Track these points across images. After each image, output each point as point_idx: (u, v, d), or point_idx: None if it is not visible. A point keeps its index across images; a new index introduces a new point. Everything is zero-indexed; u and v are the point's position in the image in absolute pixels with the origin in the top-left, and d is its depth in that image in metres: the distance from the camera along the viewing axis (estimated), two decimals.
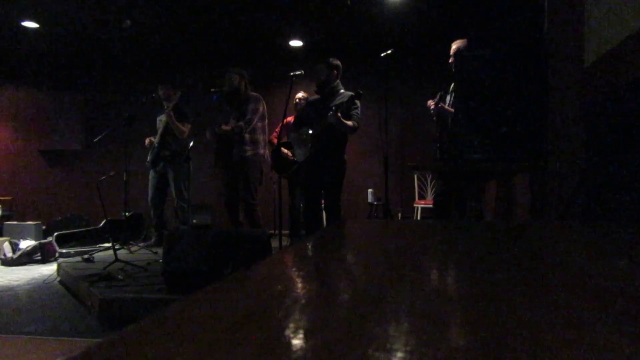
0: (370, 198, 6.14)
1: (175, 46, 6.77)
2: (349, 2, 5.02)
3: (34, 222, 5.83)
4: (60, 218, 6.32)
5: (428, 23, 5.77)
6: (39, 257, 4.67)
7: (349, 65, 4.30)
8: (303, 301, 0.42)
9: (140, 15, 5.47)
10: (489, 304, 0.41)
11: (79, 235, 5.28)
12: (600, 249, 0.91)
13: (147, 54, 7.09)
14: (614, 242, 1.02)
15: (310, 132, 3.64)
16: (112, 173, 4.69)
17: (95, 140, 4.81)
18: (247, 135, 4.09)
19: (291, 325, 0.34)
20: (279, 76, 6.51)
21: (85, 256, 4.08)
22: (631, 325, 0.34)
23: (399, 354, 0.27)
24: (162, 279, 2.79)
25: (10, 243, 4.79)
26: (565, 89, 2.40)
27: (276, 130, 4.80)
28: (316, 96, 3.82)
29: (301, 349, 0.29)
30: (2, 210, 6.59)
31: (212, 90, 4.27)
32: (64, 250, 4.76)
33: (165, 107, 4.67)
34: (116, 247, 3.80)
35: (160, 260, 3.00)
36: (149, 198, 4.84)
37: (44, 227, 5.85)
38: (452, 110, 3.31)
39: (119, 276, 3.09)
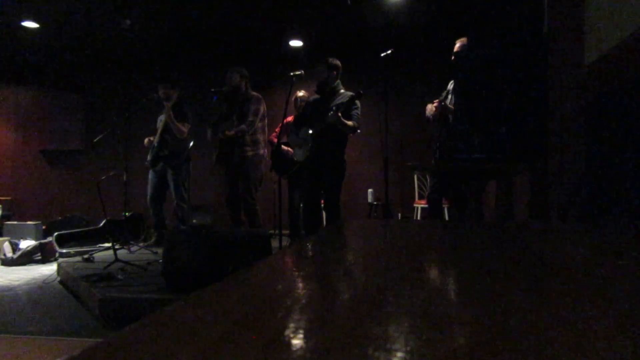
0: (370, 198, 6.14)
1: (175, 46, 6.77)
2: (349, 2, 5.02)
3: (34, 222, 5.83)
4: (60, 218, 6.32)
5: (428, 23, 5.77)
6: (39, 257, 4.66)
7: (349, 65, 4.30)
8: (303, 301, 0.42)
9: (140, 15, 5.47)
10: (489, 304, 0.41)
11: (79, 235, 5.28)
12: (600, 249, 0.91)
13: (147, 54, 7.09)
14: (614, 242, 1.02)
15: (310, 132, 3.64)
16: (112, 173, 4.69)
17: (95, 140, 4.81)
18: (247, 136, 4.10)
19: (291, 325, 0.34)
20: (279, 76, 6.52)
21: (85, 256, 4.07)
22: (631, 325, 0.34)
23: (399, 354, 0.27)
24: (162, 279, 2.79)
25: (10, 243, 4.79)
26: (565, 89, 2.40)
27: (276, 130, 4.80)
28: (316, 96, 3.82)
29: (301, 349, 0.29)
30: (2, 210, 6.59)
31: (212, 90, 4.27)
32: (64, 250, 4.76)
33: (165, 106, 4.66)
34: (116, 247, 3.80)
35: (160, 260, 3.00)
36: (148, 198, 4.84)
37: (44, 227, 5.85)
38: (453, 107, 3.31)
39: (119, 276, 3.09)
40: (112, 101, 7.45)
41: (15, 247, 4.76)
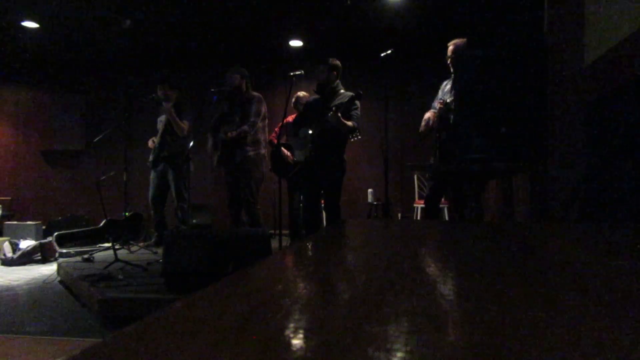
0: (370, 198, 6.14)
1: (175, 46, 6.77)
2: (349, 2, 5.02)
3: (34, 222, 5.83)
4: (60, 218, 6.32)
5: (428, 23, 5.77)
6: (39, 257, 4.66)
7: (349, 65, 4.30)
8: (303, 301, 0.42)
9: (140, 15, 5.47)
10: (489, 304, 0.41)
11: (79, 235, 5.28)
12: (600, 249, 0.91)
13: (147, 54, 7.09)
14: (614, 242, 1.02)
15: (310, 132, 3.64)
16: (112, 173, 4.69)
17: (95, 140, 4.81)
18: (248, 136, 4.10)
19: (291, 325, 0.34)
20: (279, 76, 6.52)
21: (85, 256, 4.07)
22: (631, 324, 0.34)
23: (399, 354, 0.27)
24: (162, 279, 2.79)
25: (10, 243, 4.79)
26: (565, 89, 2.40)
27: (275, 129, 4.80)
28: (316, 96, 3.82)
29: (301, 349, 0.29)
30: (2, 210, 6.59)
31: (212, 90, 4.27)
32: (64, 250, 4.76)
33: (165, 106, 4.67)
34: (116, 247, 3.80)
35: (160, 260, 3.00)
36: (150, 198, 4.84)
37: (44, 227, 5.85)
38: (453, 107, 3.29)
39: (119, 276, 3.09)
40: (112, 101, 7.45)
41: (15, 247, 4.76)
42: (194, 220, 5.66)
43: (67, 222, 6.11)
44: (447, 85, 3.53)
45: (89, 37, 6.28)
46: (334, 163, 3.60)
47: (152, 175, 4.82)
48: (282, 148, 4.44)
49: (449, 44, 3.45)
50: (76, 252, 4.69)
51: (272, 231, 4.79)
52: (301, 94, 4.80)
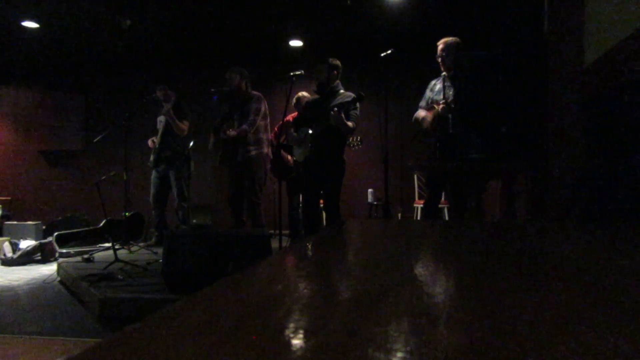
0: (370, 198, 6.14)
1: (175, 46, 6.77)
2: (349, 2, 5.02)
3: (34, 222, 5.83)
4: (60, 218, 6.32)
5: (428, 23, 5.77)
6: (39, 257, 4.66)
7: (349, 65, 4.30)
8: (303, 301, 0.42)
9: (140, 15, 5.47)
10: (489, 303, 0.41)
11: (79, 235, 5.28)
12: (600, 248, 0.91)
13: (147, 54, 7.09)
14: (614, 242, 1.02)
15: (310, 132, 3.64)
16: (112, 173, 4.69)
17: (95, 140, 4.81)
18: (250, 135, 4.10)
19: (291, 325, 0.34)
20: (279, 76, 6.52)
21: (85, 256, 4.08)
22: (630, 324, 0.34)
23: (399, 354, 0.27)
24: (162, 279, 2.79)
25: (10, 243, 4.79)
26: (565, 89, 2.40)
27: (275, 129, 4.80)
28: (316, 96, 3.83)
29: (301, 349, 0.29)
30: (2, 210, 6.59)
31: (212, 90, 4.27)
32: (64, 250, 4.76)
33: (164, 107, 4.67)
34: (116, 247, 3.80)
35: (160, 260, 3.00)
36: (151, 198, 4.84)
37: (44, 227, 5.85)
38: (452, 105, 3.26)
39: (119, 276, 3.09)
40: (112, 101, 7.45)
41: (15, 247, 4.76)
42: (194, 220, 5.66)
43: (67, 222, 6.10)
44: (436, 85, 3.51)
45: (89, 37, 6.28)
46: (333, 163, 3.60)
47: (153, 175, 4.82)
48: (282, 150, 4.44)
49: (438, 43, 3.42)
50: (76, 252, 4.69)
51: (272, 231, 4.79)
52: (302, 94, 4.80)
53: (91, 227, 5.62)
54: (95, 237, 5.38)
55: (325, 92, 3.67)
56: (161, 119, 4.77)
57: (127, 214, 4.84)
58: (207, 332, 0.32)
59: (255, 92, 4.25)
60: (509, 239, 1.10)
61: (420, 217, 5.52)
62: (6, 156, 7.77)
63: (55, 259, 4.62)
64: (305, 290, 0.47)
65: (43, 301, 3.12)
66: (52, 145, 7.58)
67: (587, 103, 2.19)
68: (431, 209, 3.54)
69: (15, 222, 5.96)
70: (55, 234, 4.95)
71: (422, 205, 5.47)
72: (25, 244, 4.79)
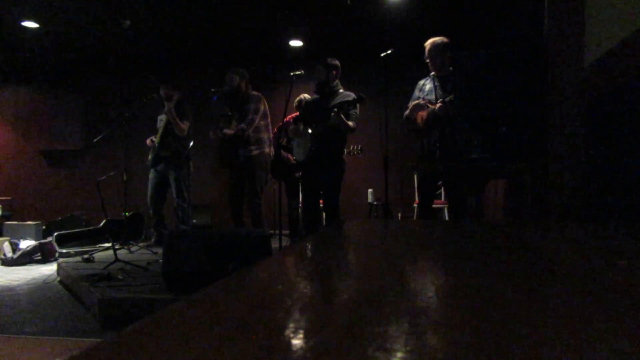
0: (370, 198, 6.14)
1: (176, 46, 6.77)
2: (349, 2, 5.02)
3: (34, 222, 5.83)
4: (60, 218, 6.32)
5: (428, 23, 5.77)
6: (39, 257, 4.66)
7: (349, 65, 4.30)
8: (303, 301, 0.42)
9: (140, 15, 5.47)
10: (489, 303, 0.41)
11: (79, 235, 5.28)
12: (600, 249, 0.91)
13: (147, 54, 7.09)
14: (613, 242, 1.02)
15: (310, 131, 3.64)
16: (112, 173, 4.69)
17: (95, 140, 4.81)
18: (251, 135, 4.10)
19: (291, 325, 0.34)
20: (279, 76, 6.52)
21: (85, 256, 4.07)
22: (630, 324, 0.34)
23: (399, 354, 0.27)
24: (162, 279, 2.79)
25: (10, 243, 4.79)
26: (565, 89, 2.40)
27: (274, 130, 4.80)
28: (315, 96, 3.83)
29: (301, 349, 0.29)
30: (2, 210, 6.59)
31: (212, 90, 4.27)
32: (64, 250, 4.76)
33: (166, 106, 4.67)
34: (116, 247, 3.79)
35: (160, 260, 3.00)
36: (148, 197, 4.84)
37: (44, 227, 5.85)
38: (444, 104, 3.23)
39: (119, 276, 3.09)
40: (112, 101, 7.45)
41: (15, 247, 4.76)
42: (194, 220, 5.66)
43: (67, 222, 6.11)
44: (426, 85, 3.50)
45: (89, 37, 6.28)
46: (333, 162, 3.60)
47: (152, 174, 4.82)
48: (282, 151, 4.44)
49: (425, 44, 3.40)
50: (76, 252, 4.69)
51: (272, 231, 4.79)
52: (304, 96, 4.80)
53: (91, 227, 5.62)
54: (95, 237, 5.38)
55: (325, 92, 3.67)
56: (162, 117, 4.76)
57: (127, 214, 4.84)
58: (207, 332, 0.32)
59: (254, 92, 4.25)
60: (509, 238, 1.10)
61: (415, 218, 5.53)
62: (6, 156, 7.76)
63: (55, 259, 4.62)
64: (305, 291, 0.47)
65: (43, 301, 3.12)
66: (52, 145, 7.58)
67: (587, 103, 2.19)
68: (425, 209, 3.54)
69: (15, 222, 5.97)
70: (55, 234, 4.95)
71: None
72: (25, 244, 4.79)
